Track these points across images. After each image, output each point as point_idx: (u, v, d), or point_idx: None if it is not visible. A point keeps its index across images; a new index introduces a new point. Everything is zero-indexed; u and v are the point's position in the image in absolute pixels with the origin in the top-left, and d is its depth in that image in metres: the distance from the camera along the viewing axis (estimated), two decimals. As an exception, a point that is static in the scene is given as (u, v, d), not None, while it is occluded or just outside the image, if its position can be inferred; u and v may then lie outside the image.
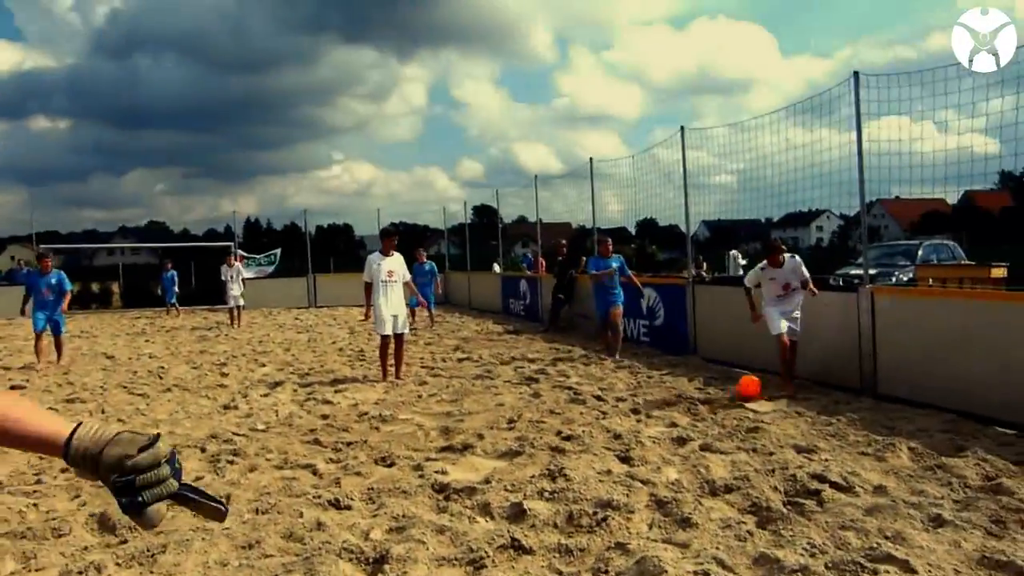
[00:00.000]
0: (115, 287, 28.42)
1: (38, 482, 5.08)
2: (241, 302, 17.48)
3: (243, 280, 17.82)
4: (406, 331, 9.28)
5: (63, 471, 5.34)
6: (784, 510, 4.06)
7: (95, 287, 28.44)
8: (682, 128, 10.71)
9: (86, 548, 3.89)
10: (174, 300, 21.20)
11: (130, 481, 1.18)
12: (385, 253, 9.07)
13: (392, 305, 8.96)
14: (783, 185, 9.15)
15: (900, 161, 7.17)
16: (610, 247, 10.82)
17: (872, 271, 8.76)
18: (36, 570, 3.61)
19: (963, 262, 17.07)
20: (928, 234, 33.55)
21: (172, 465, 1.22)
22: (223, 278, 17.73)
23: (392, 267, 9.00)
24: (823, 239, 73.76)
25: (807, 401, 7.04)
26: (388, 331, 8.94)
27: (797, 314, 7.52)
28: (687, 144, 10.67)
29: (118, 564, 3.64)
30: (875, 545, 3.46)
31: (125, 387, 9.08)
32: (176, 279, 21.38)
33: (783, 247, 7.69)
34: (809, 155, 8.50)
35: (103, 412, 7.55)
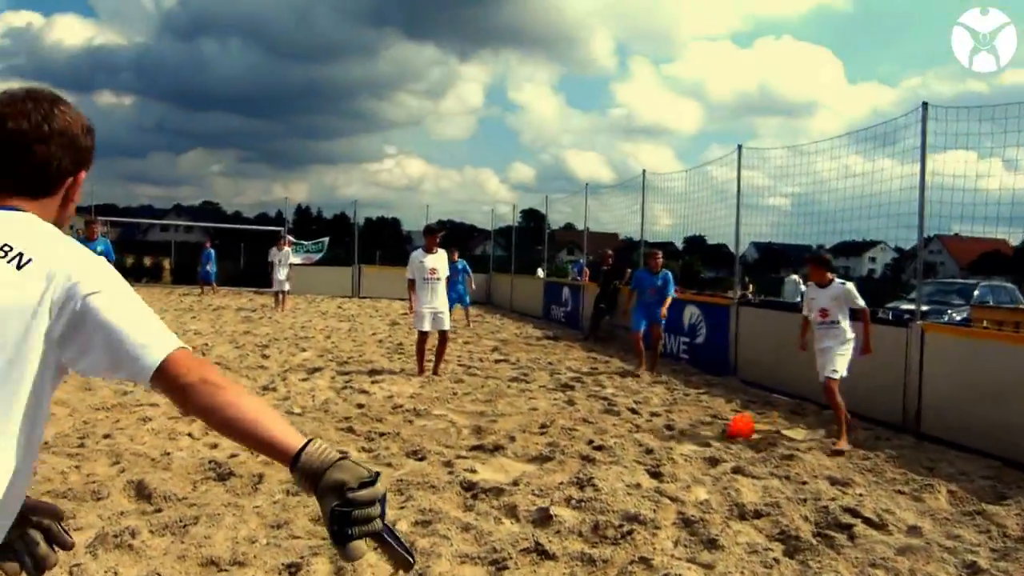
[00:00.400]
0: (167, 263, 29.18)
1: (81, 446, 5.24)
2: (286, 287, 17.75)
3: (290, 265, 18.11)
4: (447, 328, 9.33)
5: (105, 437, 5.51)
6: (813, 541, 4.00)
7: (147, 261, 29.25)
8: (739, 147, 10.61)
9: (122, 513, 4.00)
10: (211, 279, 21.63)
11: (347, 513, 1.21)
12: (428, 250, 9.18)
13: (433, 302, 9.05)
14: (838, 212, 9.02)
15: (963, 197, 6.99)
16: (659, 262, 10.51)
17: (925, 307, 8.57)
18: (75, 530, 3.72)
19: (1021, 306, 16.56)
20: (986, 275, 32.58)
21: (383, 505, 1.26)
22: (270, 259, 18.07)
23: (435, 264, 9.09)
24: (875, 271, 72.15)
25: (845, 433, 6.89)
26: (427, 327, 9.04)
27: (835, 350, 6.49)
28: (743, 163, 10.56)
29: (151, 531, 3.74)
30: (906, 585, 3.39)
31: (170, 360, 9.29)
32: (214, 258, 21.84)
33: (826, 260, 6.91)
34: (868, 184, 8.38)
35: (148, 383, 7.76)
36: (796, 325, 7.50)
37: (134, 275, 26.84)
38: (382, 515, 1.25)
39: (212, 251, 22.11)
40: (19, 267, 1.29)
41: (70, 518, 3.82)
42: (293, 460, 1.26)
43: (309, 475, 1.25)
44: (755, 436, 6.53)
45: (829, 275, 6.72)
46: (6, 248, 1.30)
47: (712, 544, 3.89)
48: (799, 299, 19.42)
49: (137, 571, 3.29)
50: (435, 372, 9.21)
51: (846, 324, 6.56)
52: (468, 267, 16.47)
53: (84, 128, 1.45)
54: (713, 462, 5.61)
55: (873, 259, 75.50)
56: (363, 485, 1.23)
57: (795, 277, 21.45)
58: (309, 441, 1.28)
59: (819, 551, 3.85)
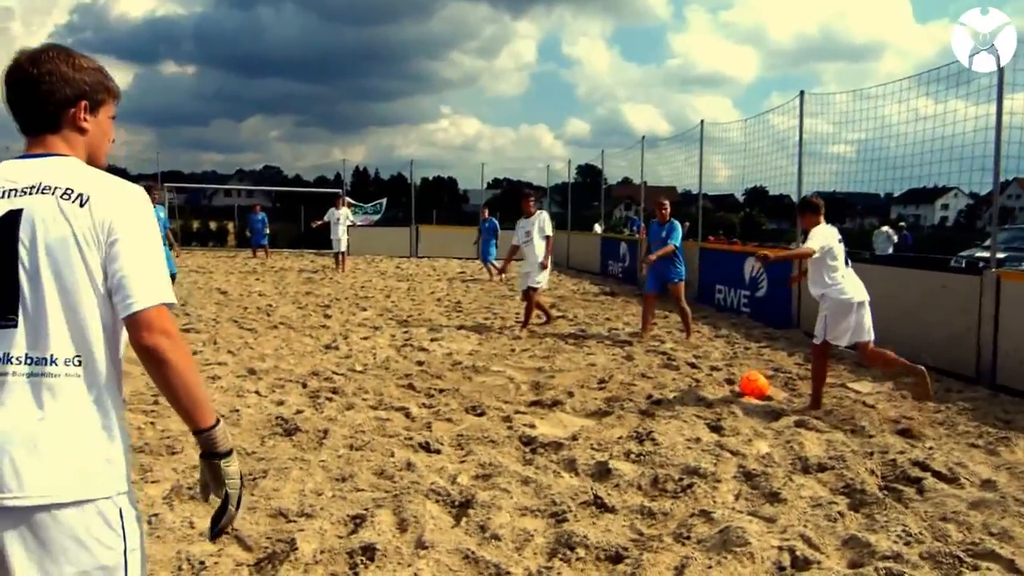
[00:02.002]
0: (231, 227, 29.90)
1: (155, 403, 5.45)
2: (342, 247, 17.87)
3: (348, 226, 18.19)
4: (535, 286, 9.50)
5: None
6: (880, 495, 3.91)
7: (212, 225, 30.03)
8: (801, 93, 10.23)
9: (195, 467, 4.15)
10: (264, 242, 22.02)
11: (228, 500, 1.66)
12: (525, 214, 9.69)
13: (525, 263, 9.65)
14: (907, 158, 8.62)
15: (1044, 137, 6.60)
16: (666, 212, 9.24)
17: (1001, 255, 8.20)
18: (152, 482, 3.89)
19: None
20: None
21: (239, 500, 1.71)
22: (326, 218, 18.19)
23: (528, 227, 9.56)
24: (948, 218, 69.33)
25: (916, 385, 6.69)
26: (520, 285, 9.84)
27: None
28: (804, 111, 10.18)
29: (223, 484, 3.88)
30: (978, 540, 3.29)
31: (236, 321, 9.58)
32: (266, 221, 22.20)
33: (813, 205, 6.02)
34: (939, 127, 7.95)
35: (215, 343, 8.01)
36: (859, 274, 7.26)
37: (200, 239, 27.65)
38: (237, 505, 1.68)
39: (264, 215, 22.38)
40: (81, 205, 1.58)
41: (147, 471, 4.00)
42: (204, 429, 1.62)
43: (208, 445, 1.63)
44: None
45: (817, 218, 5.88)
46: (69, 191, 1.59)
47: (774, 497, 3.85)
48: (890, 251, 18.72)
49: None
50: (524, 326, 9.58)
51: (816, 274, 5.79)
52: (497, 225, 17.14)
53: (76, 65, 1.69)
54: (775, 416, 5.52)
55: (945, 206, 72.44)
56: (242, 485, 1.70)
57: (886, 229, 20.43)
58: (219, 421, 1.65)
59: (886, 505, 3.77)
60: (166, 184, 23.55)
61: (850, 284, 5.67)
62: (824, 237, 5.67)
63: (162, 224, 10.60)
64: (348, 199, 23.14)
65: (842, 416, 5.57)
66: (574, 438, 4.83)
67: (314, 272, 17.63)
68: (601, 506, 3.72)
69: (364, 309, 11.27)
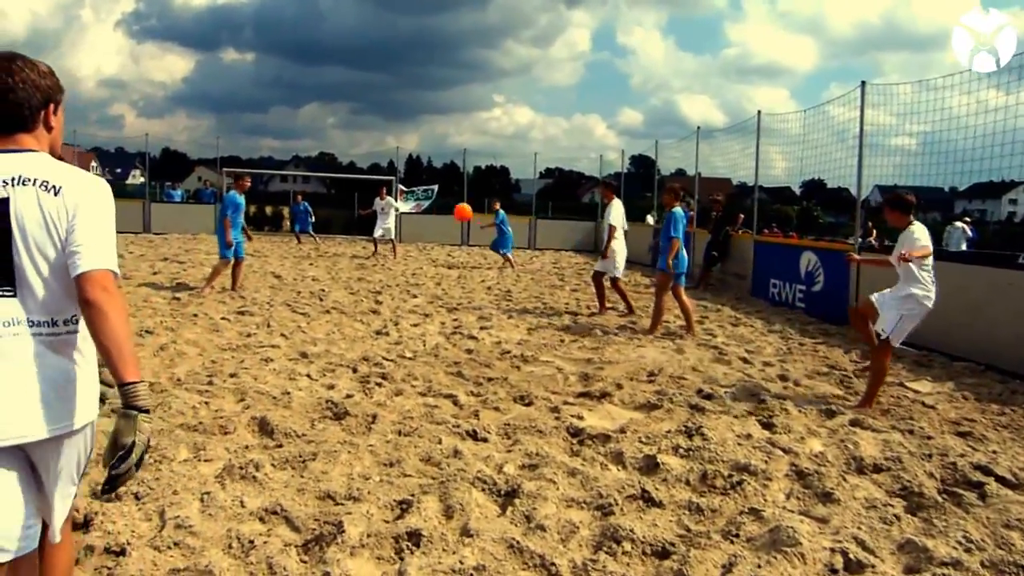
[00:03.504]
0: (286, 212, 30.39)
1: (209, 383, 5.58)
2: (379, 233, 18.12)
3: (398, 214, 18.38)
4: (614, 274, 10.19)
5: (231, 375, 5.85)
6: (939, 499, 3.78)
7: (268, 210, 30.58)
8: (863, 83, 9.92)
9: (247, 447, 4.25)
10: (309, 229, 22.50)
11: (133, 451, 1.88)
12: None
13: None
14: (973, 151, 8.31)
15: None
16: (667, 199, 9.06)
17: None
18: (205, 460, 3.99)
19: None
20: None
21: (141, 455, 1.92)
22: (373, 208, 18.59)
23: (612, 220, 10.00)
24: (1016, 213, 66.65)
25: (978, 386, 6.48)
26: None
27: (895, 302, 5.59)
28: (865, 102, 9.87)
29: (273, 465, 3.95)
30: (1043, 549, 3.16)
31: (289, 305, 9.75)
32: (309, 210, 22.65)
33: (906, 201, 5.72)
34: (1008, 119, 7.65)
35: (269, 326, 8.17)
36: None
37: (256, 224, 28.14)
38: (137, 463, 1.90)
39: (306, 204, 22.88)
40: (56, 194, 1.92)
41: (200, 450, 4.09)
42: (129, 382, 1.89)
43: (130, 398, 1.89)
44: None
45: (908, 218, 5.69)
46: (45, 182, 1.92)
47: (827, 497, 3.75)
48: (964, 246, 18.02)
49: (261, 501, 3.49)
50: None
51: (911, 275, 5.53)
52: (505, 217, 17.17)
53: (41, 72, 1.99)
54: (830, 414, 5.38)
55: (1013, 201, 69.63)
56: (146, 449, 1.92)
57: (961, 224, 19.54)
58: (142, 381, 1.92)
59: (945, 509, 3.65)
60: (224, 169, 24.03)
61: (933, 287, 5.54)
62: (927, 237, 5.56)
63: (239, 209, 10.87)
64: (401, 186, 23.33)
65: (899, 416, 5.41)
66: (622, 431, 4.79)
67: (366, 258, 17.84)
68: (648, 500, 3.68)
69: (415, 296, 11.36)
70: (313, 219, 23.07)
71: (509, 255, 17.07)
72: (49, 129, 2.03)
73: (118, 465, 1.87)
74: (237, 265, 11.06)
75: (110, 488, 1.93)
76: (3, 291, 1.88)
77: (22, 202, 1.89)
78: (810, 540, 3.18)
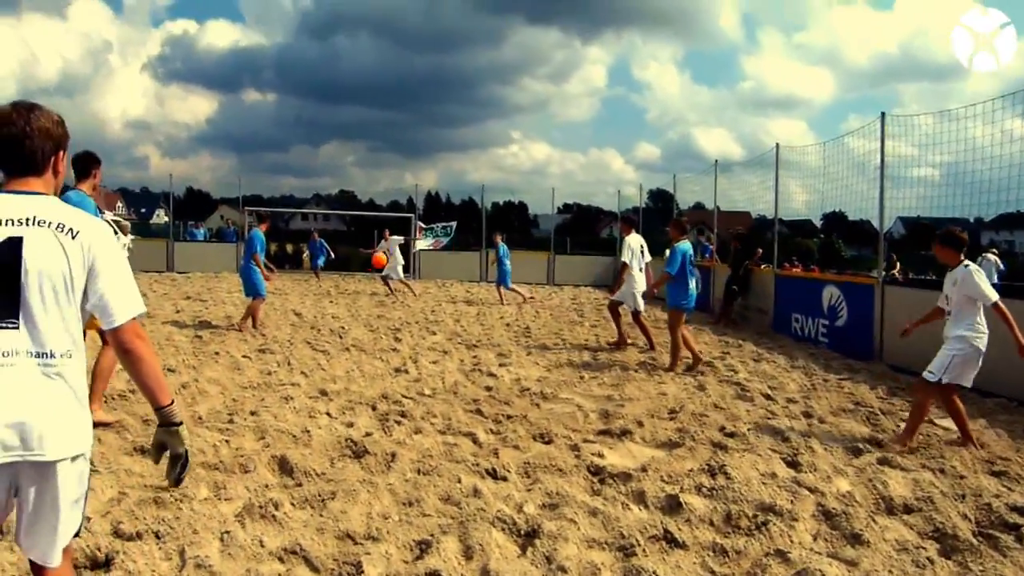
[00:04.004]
0: (306, 250, 30.72)
1: (230, 422, 5.59)
2: (386, 274, 18.20)
3: (399, 253, 18.38)
4: (633, 308, 10.58)
5: (252, 414, 5.85)
6: (974, 541, 3.67)
7: (289, 248, 30.91)
8: (883, 115, 9.90)
9: (267, 486, 4.23)
10: (321, 265, 22.99)
11: (185, 457, 2.33)
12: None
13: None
14: (998, 181, 8.25)
15: None
16: (679, 232, 9.78)
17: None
18: (225, 499, 3.97)
19: None
20: None
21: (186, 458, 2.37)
22: (380, 249, 19.04)
23: (623, 256, 10.49)
24: (1042, 246, 65.71)
25: (1011, 423, 6.33)
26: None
27: (946, 344, 5.49)
28: (885, 133, 9.86)
29: (293, 504, 3.93)
30: (1083, 594, 3.05)
31: (309, 343, 9.78)
32: (325, 247, 23.22)
33: (957, 238, 5.60)
34: (1032, 149, 7.60)
35: (289, 364, 8.19)
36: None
37: (277, 262, 28.40)
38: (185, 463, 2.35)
39: (322, 241, 23.31)
40: (73, 237, 2.06)
41: (220, 488, 4.08)
42: (165, 406, 2.25)
43: (167, 418, 2.27)
44: (902, 425, 6.08)
45: (959, 255, 5.56)
46: (61, 224, 2.06)
47: (856, 539, 3.66)
48: (994, 279, 17.73)
49: (280, 541, 3.46)
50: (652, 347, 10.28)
51: (966, 316, 5.43)
52: (507, 251, 17.25)
53: (55, 122, 2.15)
54: (856, 452, 5.28)
55: (1041, 233, 68.74)
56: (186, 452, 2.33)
57: (992, 256, 19.16)
58: (172, 401, 2.27)
59: (980, 552, 3.54)
60: (246, 208, 24.39)
61: (985, 329, 5.44)
62: (986, 281, 5.43)
63: (261, 246, 10.96)
64: (420, 223, 23.53)
65: (930, 455, 5.28)
66: (643, 469, 4.71)
67: (385, 295, 17.92)
68: (671, 541, 3.60)
69: (434, 333, 11.36)
70: (332, 256, 23.35)
71: (503, 289, 17.16)
72: (56, 174, 2.20)
73: (181, 470, 2.33)
74: (257, 302, 11.15)
75: (178, 484, 2.51)
76: (8, 323, 1.99)
77: (37, 242, 2.02)
78: (839, 583, 3.09)
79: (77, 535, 2.21)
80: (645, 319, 10.78)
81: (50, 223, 2.05)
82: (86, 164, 5.47)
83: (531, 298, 17.46)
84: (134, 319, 2.13)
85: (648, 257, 10.90)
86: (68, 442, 2.04)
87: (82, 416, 2.10)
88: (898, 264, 19.02)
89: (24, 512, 2.06)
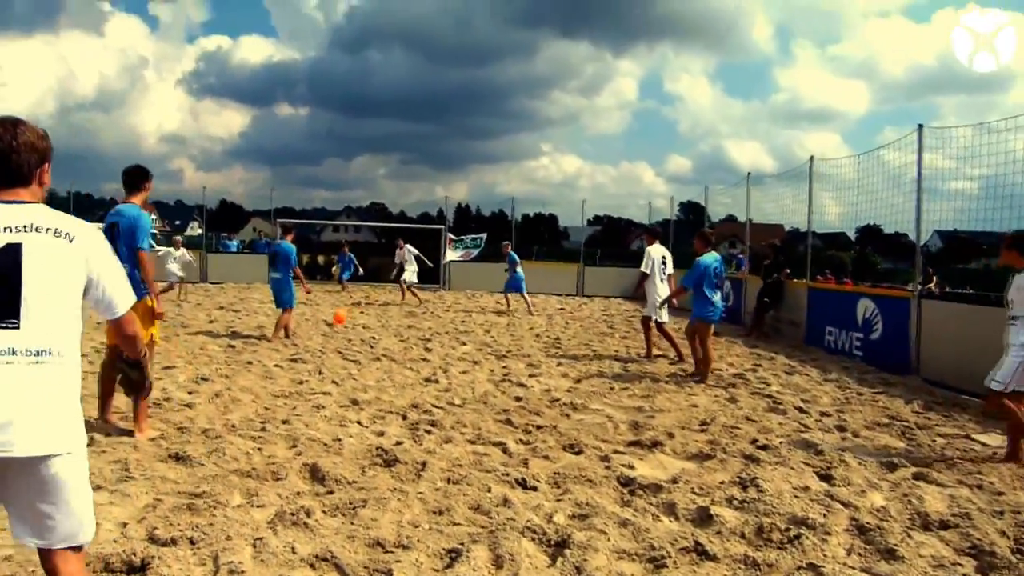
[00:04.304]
0: (336, 262, 31.05)
1: (263, 430, 5.66)
2: (403, 278, 19.00)
3: (414, 261, 19.18)
4: (658, 319, 10.64)
5: (284, 422, 5.93)
6: (1013, 559, 3.59)
7: (320, 260, 31.25)
8: (920, 127, 9.77)
9: (299, 493, 4.28)
10: (348, 278, 23.50)
11: (146, 376, 2.93)
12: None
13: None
14: (1039, 195, 8.09)
15: None
16: (704, 244, 9.65)
17: None
18: (257, 506, 4.02)
19: None
20: None
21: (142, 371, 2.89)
22: (396, 260, 19.74)
23: (643, 267, 10.71)
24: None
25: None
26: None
27: (1010, 351, 5.35)
28: (923, 145, 9.72)
29: (324, 512, 3.97)
30: None
31: (340, 353, 9.88)
32: (354, 262, 23.71)
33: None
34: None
35: (320, 373, 8.27)
36: (989, 319, 6.76)
37: (309, 273, 28.72)
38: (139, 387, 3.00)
39: (352, 255, 23.71)
40: (70, 241, 2.22)
41: (253, 495, 4.14)
42: (136, 358, 2.81)
43: (135, 360, 2.82)
44: (938, 439, 5.98)
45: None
46: (56, 230, 2.21)
47: (891, 554, 3.60)
48: None
49: (311, 548, 3.50)
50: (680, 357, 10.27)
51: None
52: (516, 258, 17.60)
53: (39, 136, 2.30)
54: (891, 467, 5.19)
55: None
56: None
57: None
58: (144, 354, 2.82)
59: (1019, 570, 3.46)
60: (278, 220, 24.74)
61: None
62: None
63: (292, 259, 11.19)
64: (450, 235, 23.69)
65: (967, 470, 5.18)
66: (674, 481, 4.69)
67: (416, 306, 18.03)
68: (702, 553, 3.58)
69: (464, 343, 11.41)
70: (361, 272, 23.74)
71: (509, 296, 17.55)
72: (42, 185, 2.33)
73: (135, 391, 3.14)
74: (287, 314, 11.29)
75: (142, 395, 3.31)
76: (9, 323, 2.11)
77: (36, 247, 2.16)
78: (874, 599, 3.05)
79: (85, 539, 2.29)
80: (673, 330, 10.72)
81: (47, 229, 2.19)
82: (137, 178, 5.60)
83: (533, 306, 17.70)
84: (129, 312, 2.47)
85: (671, 269, 10.83)
86: (61, 439, 2.13)
87: (75, 414, 2.21)
88: (934, 278, 18.65)
89: (13, 506, 2.18)
